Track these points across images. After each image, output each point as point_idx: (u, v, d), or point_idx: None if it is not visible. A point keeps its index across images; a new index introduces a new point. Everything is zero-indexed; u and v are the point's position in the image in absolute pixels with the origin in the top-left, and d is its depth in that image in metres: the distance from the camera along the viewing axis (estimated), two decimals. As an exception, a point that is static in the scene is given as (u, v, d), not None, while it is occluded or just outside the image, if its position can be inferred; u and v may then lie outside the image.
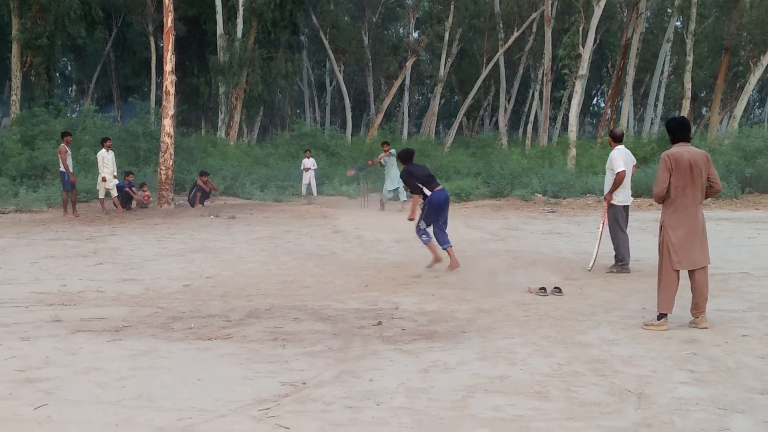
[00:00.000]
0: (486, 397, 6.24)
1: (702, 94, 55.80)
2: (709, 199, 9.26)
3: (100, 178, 22.72)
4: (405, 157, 13.69)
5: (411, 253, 15.04)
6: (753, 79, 38.11)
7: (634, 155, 13.77)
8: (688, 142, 8.71)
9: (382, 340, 8.09)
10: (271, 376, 6.78)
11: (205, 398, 6.18)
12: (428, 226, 13.21)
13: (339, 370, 6.99)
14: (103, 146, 23.12)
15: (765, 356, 7.43)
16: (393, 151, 23.53)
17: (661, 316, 8.56)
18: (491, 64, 48.83)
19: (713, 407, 5.98)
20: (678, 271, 8.62)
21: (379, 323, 8.87)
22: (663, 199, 8.69)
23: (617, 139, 13.00)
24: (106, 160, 22.68)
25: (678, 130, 8.75)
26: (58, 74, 53.15)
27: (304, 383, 6.59)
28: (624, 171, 12.50)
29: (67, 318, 9.14)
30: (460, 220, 20.59)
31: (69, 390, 6.43)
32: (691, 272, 8.65)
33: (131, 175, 24.57)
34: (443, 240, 13.07)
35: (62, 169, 21.69)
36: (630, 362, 7.23)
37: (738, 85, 46.37)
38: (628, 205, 13.00)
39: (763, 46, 38.10)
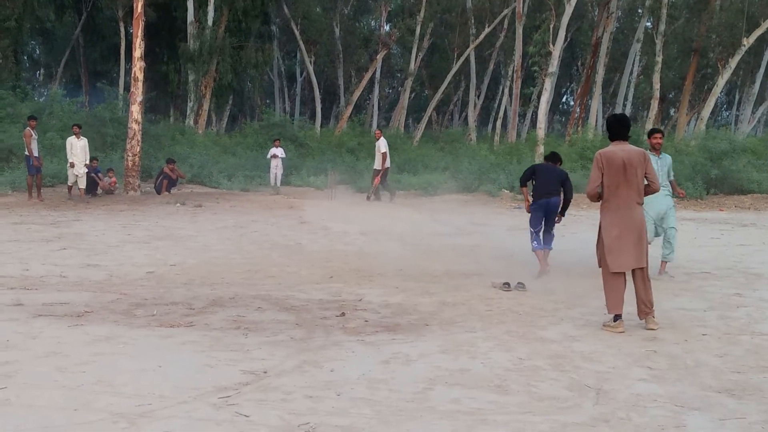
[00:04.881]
0: (446, 389, 6.27)
1: (670, 95, 56.18)
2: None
3: (68, 164, 22.52)
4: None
5: (376, 246, 15.08)
6: (721, 82, 38.37)
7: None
8: (626, 140, 8.62)
9: (344, 331, 8.10)
10: (232, 365, 6.77)
11: (165, 385, 6.16)
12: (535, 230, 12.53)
13: (300, 359, 7.00)
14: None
15: (723, 355, 7.50)
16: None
17: (617, 317, 8.51)
18: (462, 59, 48.82)
19: (670, 404, 6.04)
20: (621, 272, 8.57)
21: (343, 314, 8.89)
22: (598, 198, 8.66)
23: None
24: (75, 147, 22.44)
25: (615, 128, 8.65)
26: (26, 57, 52.59)
27: (265, 372, 6.59)
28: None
29: (29, 302, 9.09)
30: (427, 214, 20.65)
31: (28, 374, 6.39)
32: (632, 273, 8.63)
33: (95, 161, 24.36)
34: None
35: (27, 153, 21.53)
36: (590, 358, 7.29)
37: (706, 87, 46.68)
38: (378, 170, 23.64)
39: (731, 48, 38.38)
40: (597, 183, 8.55)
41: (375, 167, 25.11)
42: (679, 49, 48.84)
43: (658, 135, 12.54)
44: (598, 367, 6.99)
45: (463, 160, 31.85)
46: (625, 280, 8.62)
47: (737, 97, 58.73)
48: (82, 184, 22.71)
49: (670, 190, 12.53)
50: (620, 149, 8.51)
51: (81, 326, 8.03)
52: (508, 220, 20.25)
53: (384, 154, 24.79)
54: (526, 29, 43.99)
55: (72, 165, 22.36)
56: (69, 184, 22.82)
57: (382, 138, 25.14)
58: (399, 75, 62.01)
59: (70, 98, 35.89)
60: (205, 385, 6.20)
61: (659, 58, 39.73)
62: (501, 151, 37.33)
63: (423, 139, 48.14)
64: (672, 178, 12.64)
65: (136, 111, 25.09)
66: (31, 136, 21.53)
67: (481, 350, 7.48)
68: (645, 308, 8.54)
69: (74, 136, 22.62)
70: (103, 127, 31.24)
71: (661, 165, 12.35)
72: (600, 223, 8.72)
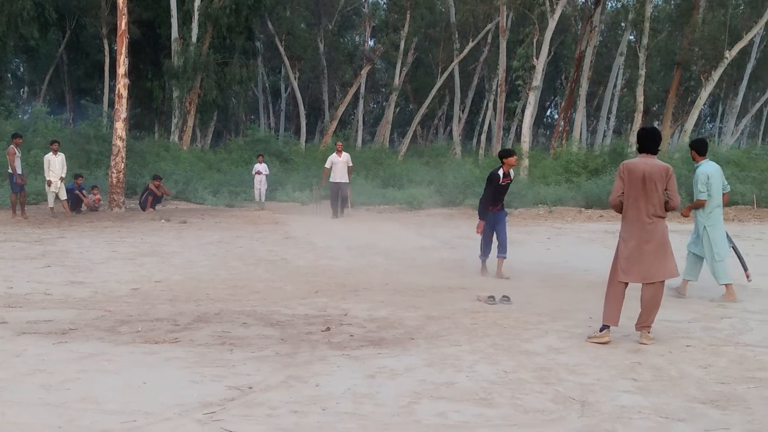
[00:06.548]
0: (431, 403, 6.26)
1: (654, 108, 56.44)
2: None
3: (46, 183, 22.43)
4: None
5: (362, 261, 15.08)
6: (704, 94, 38.59)
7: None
8: (653, 154, 8.57)
9: (330, 346, 8.09)
10: (217, 380, 6.76)
11: (150, 401, 6.15)
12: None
13: (286, 374, 6.99)
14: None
15: (707, 366, 7.52)
16: None
17: (604, 327, 8.49)
18: (446, 73, 49.05)
19: (655, 416, 6.05)
20: (626, 283, 8.57)
21: (328, 329, 8.87)
22: (621, 209, 8.68)
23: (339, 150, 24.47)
24: (53, 163, 22.31)
25: (643, 141, 8.62)
26: (9, 75, 52.51)
27: (251, 387, 6.58)
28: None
29: (13, 320, 9.05)
30: (412, 228, 20.66)
31: (13, 391, 6.37)
32: (642, 285, 8.61)
33: (80, 178, 24.37)
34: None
35: (11, 170, 21.46)
36: (575, 370, 7.30)
37: (689, 100, 46.96)
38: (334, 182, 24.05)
39: (714, 61, 38.57)
40: (618, 193, 8.55)
41: (344, 180, 24.53)
42: (663, 63, 49.12)
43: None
44: (583, 380, 7.00)
45: (447, 174, 31.83)
46: (623, 294, 8.59)
47: (720, 109, 59.17)
48: (63, 195, 22.57)
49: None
50: (644, 162, 8.48)
51: (65, 343, 8.00)
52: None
53: (351, 168, 25.08)
54: (509, 43, 44.25)
55: (49, 183, 22.25)
56: (50, 206, 22.66)
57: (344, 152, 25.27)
58: (384, 90, 62.21)
59: (54, 115, 35.93)
60: (190, 401, 6.19)
61: (642, 72, 39.90)
62: (486, 165, 37.30)
63: (408, 154, 48.26)
64: (698, 194, 11.91)
65: (120, 128, 25.08)
66: (15, 153, 21.43)
67: (467, 363, 7.48)
68: (644, 321, 8.54)
69: (52, 153, 22.49)
70: (88, 144, 31.26)
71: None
72: (620, 233, 8.73)
